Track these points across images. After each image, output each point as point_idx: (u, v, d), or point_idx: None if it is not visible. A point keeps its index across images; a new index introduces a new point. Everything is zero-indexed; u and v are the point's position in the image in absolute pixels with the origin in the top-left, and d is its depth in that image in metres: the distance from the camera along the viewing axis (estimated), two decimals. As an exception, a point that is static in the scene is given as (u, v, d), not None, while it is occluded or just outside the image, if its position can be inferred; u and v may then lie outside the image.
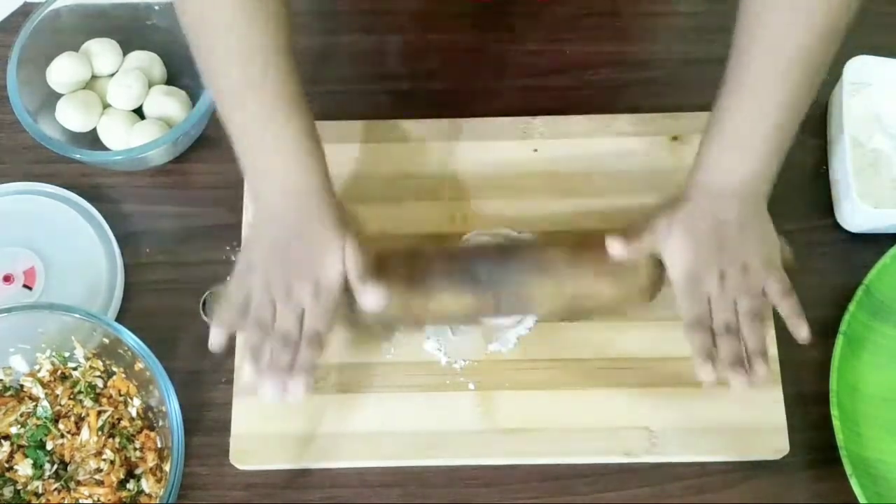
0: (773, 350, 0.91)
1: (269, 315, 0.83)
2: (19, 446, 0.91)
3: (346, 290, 0.84)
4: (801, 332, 0.83)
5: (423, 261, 0.89)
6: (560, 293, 0.87)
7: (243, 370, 0.86)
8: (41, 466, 0.89)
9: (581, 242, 0.89)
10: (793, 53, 0.80)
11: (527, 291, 0.87)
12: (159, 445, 0.90)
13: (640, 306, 0.89)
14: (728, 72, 0.83)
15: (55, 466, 0.90)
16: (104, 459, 0.89)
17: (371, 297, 0.84)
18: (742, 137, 0.83)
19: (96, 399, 0.91)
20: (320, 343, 0.82)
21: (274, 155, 0.85)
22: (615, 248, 0.85)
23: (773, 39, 0.81)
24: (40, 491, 0.89)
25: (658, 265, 0.86)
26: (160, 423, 0.90)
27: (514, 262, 0.88)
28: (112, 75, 1.03)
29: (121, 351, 0.90)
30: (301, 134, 0.84)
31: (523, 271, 0.87)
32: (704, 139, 0.86)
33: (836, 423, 0.87)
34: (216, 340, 0.83)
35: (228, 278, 0.86)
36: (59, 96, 1.02)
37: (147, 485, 0.89)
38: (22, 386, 0.92)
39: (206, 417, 0.92)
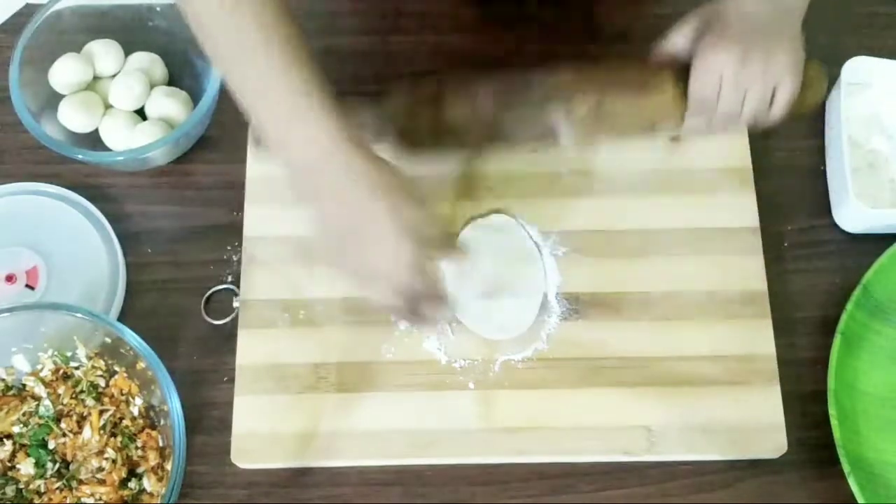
0: (770, 349, 0.92)
1: (388, 297, 0.82)
2: (21, 445, 0.91)
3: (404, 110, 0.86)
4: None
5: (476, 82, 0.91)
6: (593, 87, 0.89)
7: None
8: (43, 465, 0.89)
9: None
10: None
11: (557, 79, 0.90)
12: (161, 444, 0.90)
13: (666, 117, 0.90)
14: None
15: (57, 465, 0.90)
16: (106, 458, 0.89)
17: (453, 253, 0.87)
18: None
19: (98, 398, 0.91)
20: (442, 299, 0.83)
21: (292, 121, 0.77)
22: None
23: None
24: (42, 490, 0.89)
25: (685, 78, 0.87)
26: (162, 422, 0.90)
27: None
28: (114, 76, 1.04)
29: (123, 350, 0.90)
30: (313, 88, 0.77)
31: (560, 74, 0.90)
32: None
33: (834, 421, 0.87)
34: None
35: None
36: (61, 97, 1.02)
37: (149, 484, 0.89)
38: (24, 385, 0.93)
39: (208, 416, 0.93)
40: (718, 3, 0.86)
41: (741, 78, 0.84)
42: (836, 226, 0.99)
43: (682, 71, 0.88)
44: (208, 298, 0.96)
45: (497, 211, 0.98)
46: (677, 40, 0.88)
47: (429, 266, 0.81)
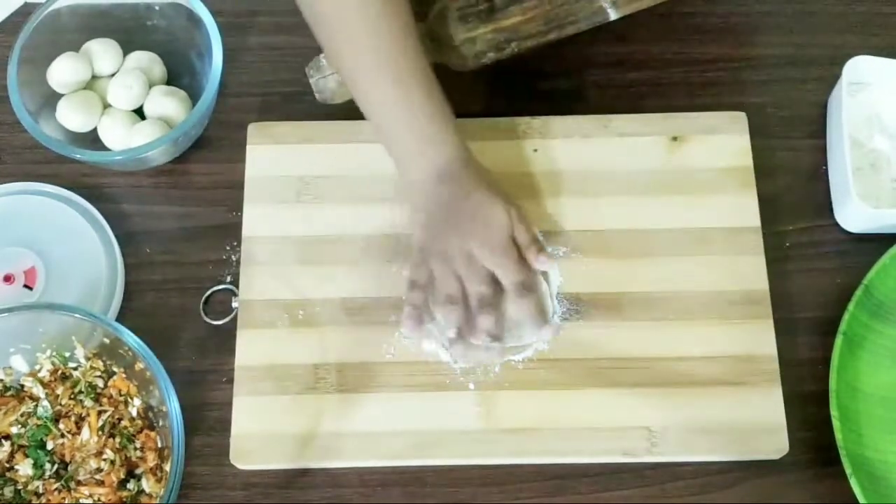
0: (772, 350, 0.92)
1: (458, 287, 0.88)
2: (20, 446, 0.91)
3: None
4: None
5: None
6: None
7: (453, 347, 0.90)
8: (42, 466, 0.89)
9: None
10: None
11: None
12: (160, 445, 0.90)
13: None
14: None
15: (56, 466, 0.90)
16: (105, 459, 0.89)
17: (543, 258, 0.91)
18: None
19: (97, 399, 0.91)
20: (529, 287, 0.89)
21: (416, 133, 0.89)
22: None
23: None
24: (41, 491, 0.89)
25: None
26: (160, 423, 0.90)
27: None
28: (112, 75, 1.03)
29: (121, 351, 0.90)
30: (438, 104, 0.89)
31: None
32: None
33: (835, 422, 0.87)
34: (409, 323, 0.89)
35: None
36: (59, 96, 1.02)
37: (147, 484, 0.89)
38: (22, 386, 0.92)
39: (207, 417, 0.93)
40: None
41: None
42: (837, 226, 0.98)
43: None
44: (207, 299, 0.96)
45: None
46: None
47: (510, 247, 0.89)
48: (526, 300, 0.89)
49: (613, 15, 0.93)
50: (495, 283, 0.89)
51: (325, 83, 0.98)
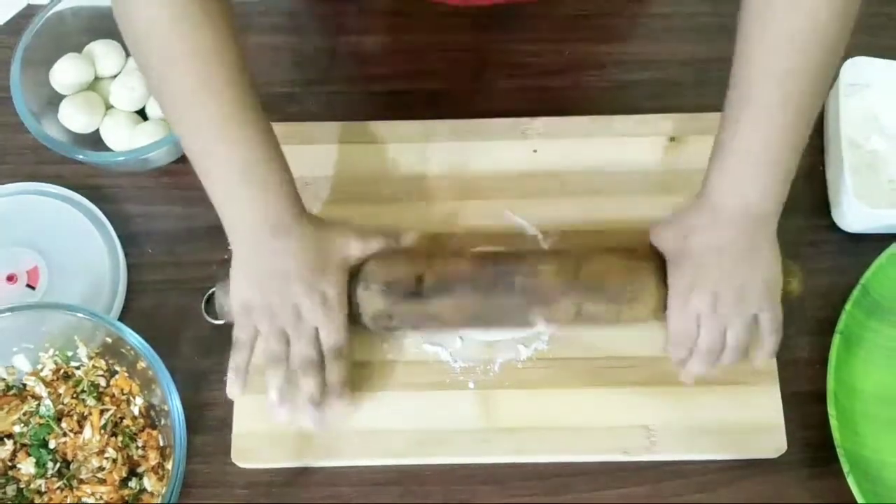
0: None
1: (284, 347, 0.84)
2: (22, 445, 0.91)
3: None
4: (757, 363, 0.86)
5: (430, 257, 0.90)
6: (574, 293, 0.87)
7: (274, 410, 0.86)
8: (44, 465, 0.90)
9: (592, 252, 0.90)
10: (792, 86, 0.79)
11: (538, 282, 0.87)
12: (161, 444, 0.90)
13: (646, 320, 0.89)
14: (730, 98, 0.83)
15: (58, 465, 0.90)
16: (106, 458, 0.89)
17: (410, 238, 0.89)
18: (748, 166, 0.82)
19: (99, 398, 0.91)
20: (344, 356, 0.85)
21: (234, 194, 0.84)
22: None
23: (776, 75, 0.79)
24: (43, 489, 0.89)
25: (665, 285, 0.86)
26: (162, 422, 0.90)
27: (526, 259, 0.89)
28: (115, 77, 1.04)
29: (123, 350, 0.90)
30: (258, 161, 0.83)
31: (532, 270, 0.88)
32: (711, 162, 0.85)
33: (833, 421, 0.87)
34: (233, 389, 0.85)
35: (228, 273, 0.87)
36: (62, 97, 1.02)
37: (149, 483, 0.89)
38: (25, 385, 0.93)
39: (208, 416, 0.93)
40: (690, 221, 0.86)
41: (718, 320, 0.84)
42: (834, 226, 0.99)
43: (663, 271, 0.87)
44: (208, 298, 0.96)
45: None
46: (658, 239, 0.88)
47: (342, 305, 0.85)
48: (336, 365, 0.85)
49: (544, 330, 0.90)
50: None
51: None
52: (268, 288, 0.84)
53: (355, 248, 0.87)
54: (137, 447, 0.90)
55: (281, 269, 0.84)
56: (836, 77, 0.98)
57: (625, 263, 0.88)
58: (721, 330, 0.84)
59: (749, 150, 0.82)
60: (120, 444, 0.90)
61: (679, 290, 0.84)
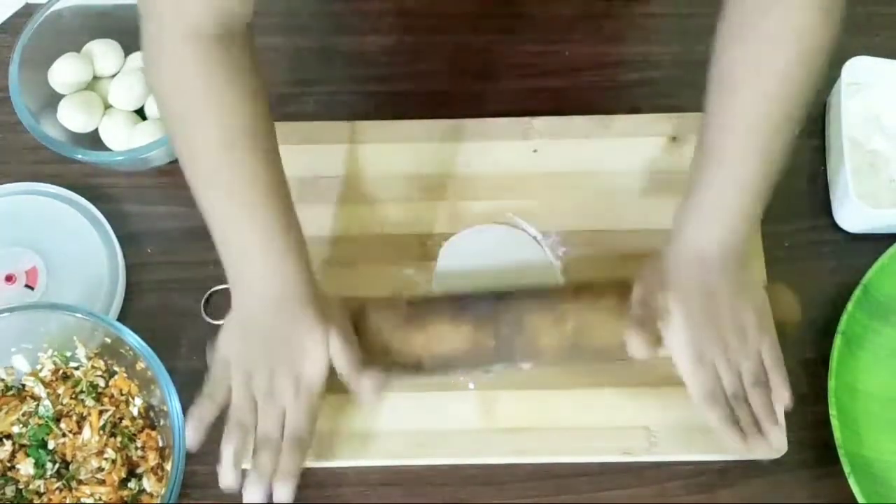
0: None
1: (251, 415, 0.83)
2: (21, 445, 0.91)
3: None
4: (785, 398, 0.85)
5: (419, 302, 0.90)
6: (562, 330, 0.87)
7: (224, 470, 0.83)
8: (43, 466, 0.89)
9: (584, 287, 0.90)
10: (769, 130, 0.81)
11: (528, 321, 0.88)
12: (161, 444, 0.90)
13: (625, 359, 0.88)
14: (703, 143, 0.84)
15: (57, 466, 0.90)
16: (106, 458, 0.89)
17: (369, 384, 0.85)
18: (721, 209, 0.84)
19: (98, 398, 0.91)
20: (302, 447, 0.83)
21: (249, 259, 0.84)
22: (634, 349, 0.84)
23: (749, 119, 0.81)
24: (42, 490, 0.89)
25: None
26: (161, 423, 0.90)
27: (514, 297, 0.89)
28: (114, 76, 1.04)
29: (122, 350, 0.90)
30: (278, 232, 0.83)
31: (523, 306, 0.88)
32: (682, 209, 0.85)
33: (834, 422, 0.87)
34: (193, 439, 0.83)
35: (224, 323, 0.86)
36: (60, 97, 1.02)
37: (148, 484, 0.89)
38: (24, 385, 0.93)
39: (208, 417, 0.93)
40: (666, 277, 0.85)
41: (732, 365, 0.84)
42: (836, 226, 0.98)
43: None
44: (208, 298, 0.96)
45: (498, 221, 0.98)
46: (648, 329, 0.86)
47: (314, 396, 0.84)
48: (291, 455, 0.83)
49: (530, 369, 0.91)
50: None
51: None
52: (253, 350, 0.84)
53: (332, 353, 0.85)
54: (136, 448, 0.90)
55: (270, 336, 0.84)
56: (837, 76, 0.98)
57: (615, 323, 0.86)
58: (738, 375, 0.84)
59: (722, 201, 0.83)
60: (119, 445, 0.90)
61: (688, 355, 0.84)
